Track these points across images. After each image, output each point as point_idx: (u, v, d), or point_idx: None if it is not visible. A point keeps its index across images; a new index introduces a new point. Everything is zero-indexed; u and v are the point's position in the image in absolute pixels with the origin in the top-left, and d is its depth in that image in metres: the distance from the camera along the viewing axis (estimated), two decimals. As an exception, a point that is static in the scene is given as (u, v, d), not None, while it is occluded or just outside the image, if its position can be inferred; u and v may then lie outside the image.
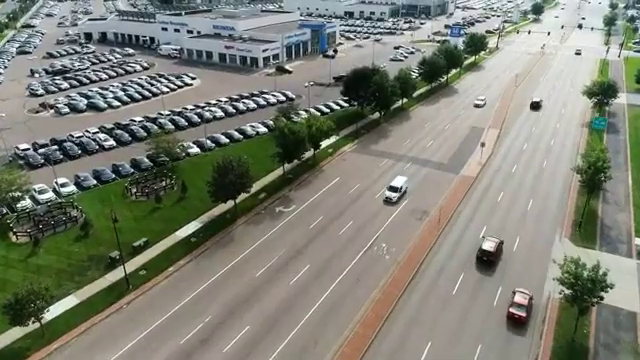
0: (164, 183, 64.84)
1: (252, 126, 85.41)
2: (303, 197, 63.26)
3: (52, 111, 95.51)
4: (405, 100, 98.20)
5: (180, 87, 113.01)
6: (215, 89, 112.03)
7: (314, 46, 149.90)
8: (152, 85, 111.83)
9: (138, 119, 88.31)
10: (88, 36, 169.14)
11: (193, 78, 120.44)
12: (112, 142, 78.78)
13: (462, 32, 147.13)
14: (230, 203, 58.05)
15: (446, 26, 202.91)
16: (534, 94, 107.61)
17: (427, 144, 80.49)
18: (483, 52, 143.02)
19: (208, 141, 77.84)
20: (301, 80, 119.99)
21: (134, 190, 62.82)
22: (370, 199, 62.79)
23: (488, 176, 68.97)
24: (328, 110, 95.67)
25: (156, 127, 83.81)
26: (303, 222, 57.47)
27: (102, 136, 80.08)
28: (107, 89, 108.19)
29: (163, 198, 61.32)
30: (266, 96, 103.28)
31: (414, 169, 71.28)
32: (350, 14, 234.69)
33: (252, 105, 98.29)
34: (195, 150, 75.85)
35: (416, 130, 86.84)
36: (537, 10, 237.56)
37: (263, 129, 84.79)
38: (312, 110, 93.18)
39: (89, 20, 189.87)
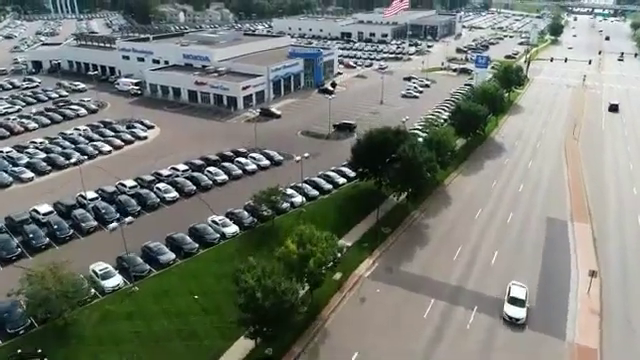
0: None
1: (215, 222, 54.82)
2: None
3: None
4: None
5: (128, 143, 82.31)
6: (176, 145, 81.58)
7: (308, 79, 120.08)
8: (89, 141, 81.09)
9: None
10: (37, 65, 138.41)
11: (149, 127, 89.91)
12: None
13: (489, 62, 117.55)
14: None
15: (458, 50, 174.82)
16: (605, 152, 78.34)
17: (489, 257, 50.16)
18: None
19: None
20: (291, 127, 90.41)
21: None
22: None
23: (620, 346, 38.60)
24: (330, 186, 65.22)
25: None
26: None
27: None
28: (26, 148, 77.53)
29: None
30: (242, 160, 72.70)
31: (483, 323, 40.90)
32: (347, 35, 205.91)
33: (221, 176, 67.69)
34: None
35: (465, 225, 56.54)
36: (555, 30, 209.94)
37: (232, 229, 54.23)
38: (305, 188, 62.76)
39: (43, 45, 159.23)
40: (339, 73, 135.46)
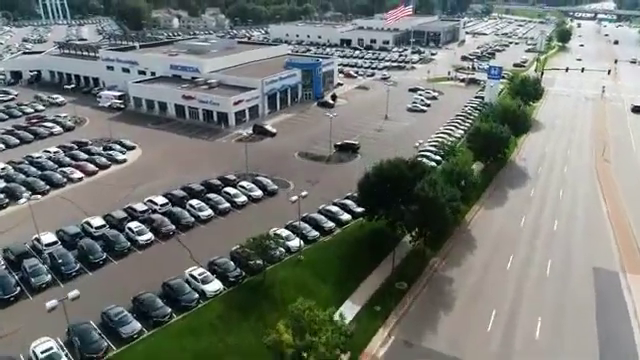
0: None
1: (194, 277, 44.80)
2: None
3: None
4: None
5: (104, 167, 72.35)
6: (157, 170, 71.78)
7: (306, 91, 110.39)
8: (59, 166, 71.14)
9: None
10: (17, 75, 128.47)
11: (129, 148, 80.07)
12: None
13: (502, 73, 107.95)
14: None
15: (464, 58, 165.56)
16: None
17: (532, 326, 40.18)
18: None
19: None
20: (288, 147, 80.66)
21: None
22: None
23: None
24: (332, 224, 55.29)
25: None
26: None
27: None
28: (-17, 176, 67.61)
29: None
30: (230, 190, 62.70)
31: None
32: (347, 42, 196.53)
33: (205, 212, 57.74)
34: None
35: (496, 278, 46.61)
36: (564, 37, 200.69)
37: (214, 286, 44.24)
38: (303, 228, 52.90)
39: (24, 53, 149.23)
40: (339, 84, 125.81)
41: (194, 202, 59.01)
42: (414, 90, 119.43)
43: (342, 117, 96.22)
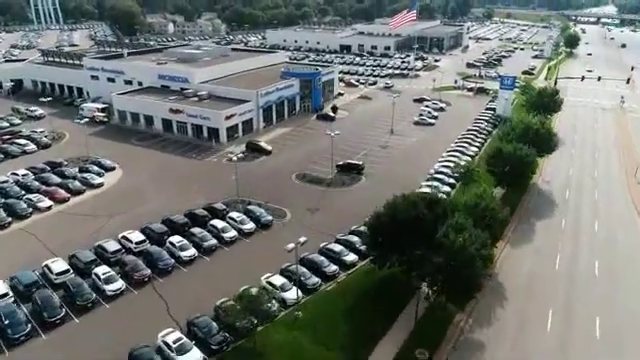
0: None
1: (167, 345, 36.41)
2: None
3: None
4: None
5: (77, 193, 63.99)
6: (137, 196, 63.53)
7: (304, 102, 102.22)
8: (26, 192, 62.73)
9: None
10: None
11: (109, 169, 71.75)
12: None
13: (516, 83, 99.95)
14: None
15: (469, 65, 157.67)
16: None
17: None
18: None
19: None
20: (285, 167, 72.58)
21: None
22: None
23: None
24: (335, 267, 46.94)
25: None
26: None
27: None
28: (-60, 204, 59.17)
29: None
30: (218, 224, 54.29)
31: None
32: (347, 48, 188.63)
33: (187, 251, 49.34)
34: None
35: (536, 344, 38.37)
36: (572, 42, 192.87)
37: (192, 357, 35.84)
38: (302, 274, 44.60)
39: (6, 61, 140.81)
40: (340, 94, 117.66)
41: (175, 239, 50.61)
42: (420, 100, 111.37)
43: (344, 131, 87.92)
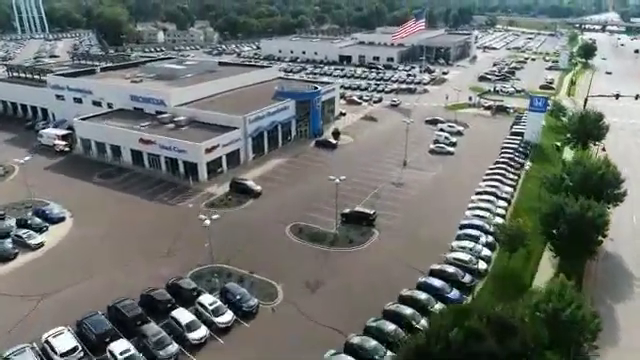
0: None
1: None
2: None
3: None
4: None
5: (6, 259, 48.80)
6: (85, 262, 48.54)
7: (301, 126, 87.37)
8: None
9: None
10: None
11: (57, 220, 56.66)
12: None
13: (547, 105, 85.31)
14: None
15: (481, 78, 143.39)
16: None
17: None
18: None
19: None
20: (276, 217, 58.42)
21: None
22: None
23: None
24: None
25: None
26: None
27: None
28: None
29: None
30: (181, 316, 39.01)
31: None
32: (347, 59, 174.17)
33: (135, 368, 34.31)
34: None
35: None
36: (588, 53, 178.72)
37: None
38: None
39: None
40: (342, 113, 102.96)
41: (118, 348, 35.44)
42: (433, 122, 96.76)
43: (348, 163, 73.98)
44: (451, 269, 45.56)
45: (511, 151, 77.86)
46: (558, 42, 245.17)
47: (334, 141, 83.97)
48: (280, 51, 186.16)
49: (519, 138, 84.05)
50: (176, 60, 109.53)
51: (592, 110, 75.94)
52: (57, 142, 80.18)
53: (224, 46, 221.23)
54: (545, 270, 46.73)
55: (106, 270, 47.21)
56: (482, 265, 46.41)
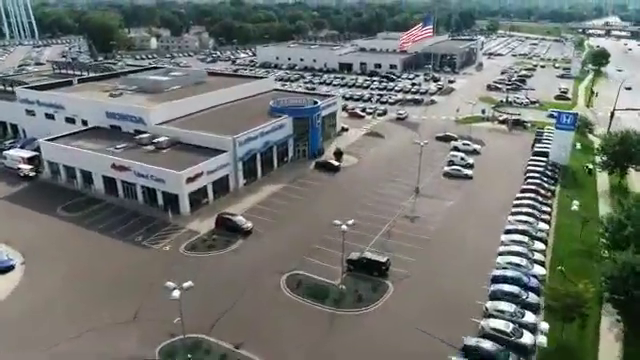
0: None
1: None
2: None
3: None
4: None
5: None
6: (32, 331, 38.46)
7: (299, 145, 77.53)
8: None
9: None
10: None
11: (3, 270, 46.56)
12: None
13: (577, 122, 75.57)
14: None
15: (489, 87, 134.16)
16: None
17: None
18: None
19: None
20: (269, 262, 47.85)
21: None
22: None
23: None
24: None
25: None
26: None
27: None
28: None
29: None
30: None
31: None
32: (347, 67, 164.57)
33: None
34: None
35: None
36: (600, 60, 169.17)
37: None
38: None
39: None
40: (343, 129, 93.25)
41: None
42: (445, 139, 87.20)
43: (351, 190, 64.27)
44: (489, 345, 35.62)
45: (537, 175, 68.05)
46: (564, 48, 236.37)
47: (336, 163, 74.11)
48: (277, 58, 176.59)
49: (544, 159, 74.27)
50: (163, 70, 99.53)
51: (635, 130, 66.00)
52: (22, 166, 70.18)
53: (219, 52, 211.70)
54: (609, 342, 36.89)
55: (51, 344, 37.17)
56: (528, 338, 36.49)
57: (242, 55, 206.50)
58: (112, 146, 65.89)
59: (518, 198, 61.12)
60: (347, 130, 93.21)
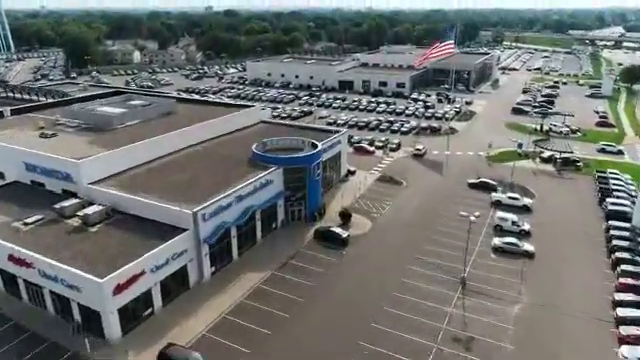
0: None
1: None
2: None
3: None
4: None
5: None
6: None
7: (293, 205, 56.38)
8: None
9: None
10: None
11: None
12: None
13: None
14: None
15: (515, 110, 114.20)
16: None
17: None
18: None
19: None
20: None
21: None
22: None
23: None
24: None
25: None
26: None
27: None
28: None
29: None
30: None
31: None
32: (348, 85, 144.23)
33: None
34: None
35: None
36: (632, 78, 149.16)
37: None
38: None
39: None
40: (349, 172, 72.42)
41: None
42: (480, 186, 66.71)
43: (367, 281, 43.63)
44: None
45: (627, 254, 47.42)
46: (581, 62, 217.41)
47: (344, 233, 53.08)
48: (269, 74, 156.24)
49: (625, 225, 53.67)
50: (121, 98, 78.26)
51: None
52: None
53: (206, 68, 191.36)
54: None
55: None
56: None
57: (231, 71, 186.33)
58: (21, 218, 44.86)
59: (619, 303, 40.28)
60: (354, 173, 72.52)
